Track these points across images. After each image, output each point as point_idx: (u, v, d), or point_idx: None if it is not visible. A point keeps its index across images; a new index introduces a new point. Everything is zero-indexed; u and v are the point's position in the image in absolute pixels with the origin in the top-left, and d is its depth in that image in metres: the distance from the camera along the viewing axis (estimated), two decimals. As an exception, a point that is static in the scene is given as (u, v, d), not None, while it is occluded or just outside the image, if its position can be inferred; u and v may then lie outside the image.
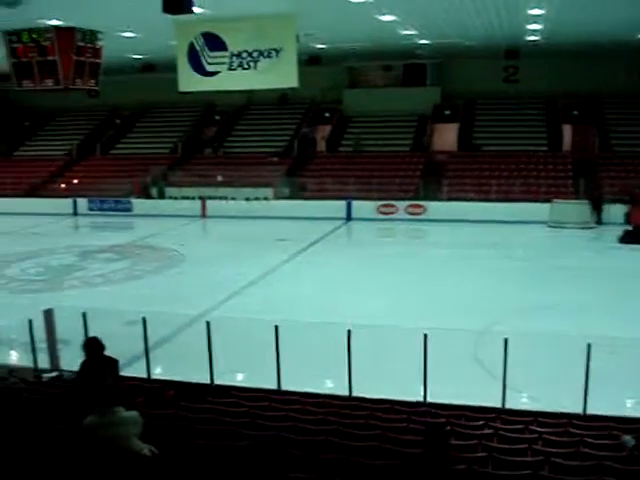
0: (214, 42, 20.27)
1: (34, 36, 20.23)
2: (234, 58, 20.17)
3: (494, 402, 9.67)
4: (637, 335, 13.36)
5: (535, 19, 22.55)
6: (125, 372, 10.06)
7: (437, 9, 20.48)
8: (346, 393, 10.19)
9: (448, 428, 7.08)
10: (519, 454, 7.02)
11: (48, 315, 12.48)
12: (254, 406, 8.77)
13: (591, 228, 27.69)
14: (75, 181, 37.39)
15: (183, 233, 29.58)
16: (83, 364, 8.20)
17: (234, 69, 20.25)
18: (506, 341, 9.63)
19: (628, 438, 7.03)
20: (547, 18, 22.16)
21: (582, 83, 33.24)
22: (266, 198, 33.06)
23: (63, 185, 37.31)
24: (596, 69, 32.61)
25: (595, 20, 22.58)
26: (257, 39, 19.97)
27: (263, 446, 6.65)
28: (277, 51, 19.76)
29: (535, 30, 25.33)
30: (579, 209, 28.22)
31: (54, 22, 19.54)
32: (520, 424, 8.38)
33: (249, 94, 36.08)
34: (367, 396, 9.86)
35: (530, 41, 28.36)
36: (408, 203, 30.94)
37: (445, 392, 9.96)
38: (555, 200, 28.54)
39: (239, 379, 12.02)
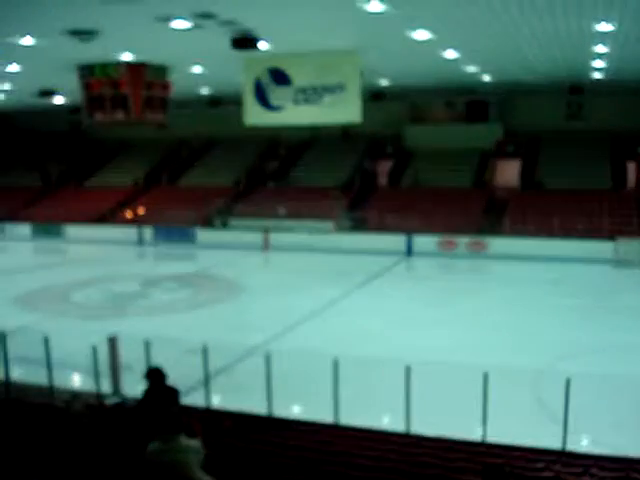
0: (280, 77, 20.63)
1: (106, 70, 20.89)
2: (299, 93, 20.48)
3: (554, 444, 9.51)
4: None
5: (600, 56, 22.37)
6: (184, 401, 10.20)
7: (500, 46, 20.49)
8: (404, 429, 10.15)
9: (507, 469, 7.00)
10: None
11: (112, 342, 12.77)
12: (312, 440, 8.80)
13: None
14: (141, 210, 38.24)
15: (245, 264, 29.90)
16: (145, 392, 8.37)
17: (299, 104, 20.55)
18: (568, 381, 9.49)
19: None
20: (611, 55, 21.96)
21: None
22: (327, 231, 33.23)
23: (129, 214, 38.20)
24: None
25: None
26: (322, 75, 20.25)
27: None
28: (341, 87, 20.00)
29: (600, 67, 25.11)
30: (644, 248, 27.63)
31: (126, 57, 20.17)
32: (580, 467, 8.23)
33: (312, 128, 36.48)
34: (425, 434, 9.80)
35: (595, 78, 28.09)
36: (469, 239, 30.73)
37: (504, 432, 9.83)
38: (619, 238, 28.01)
39: (297, 412, 12.06)
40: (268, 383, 10.91)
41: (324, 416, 10.54)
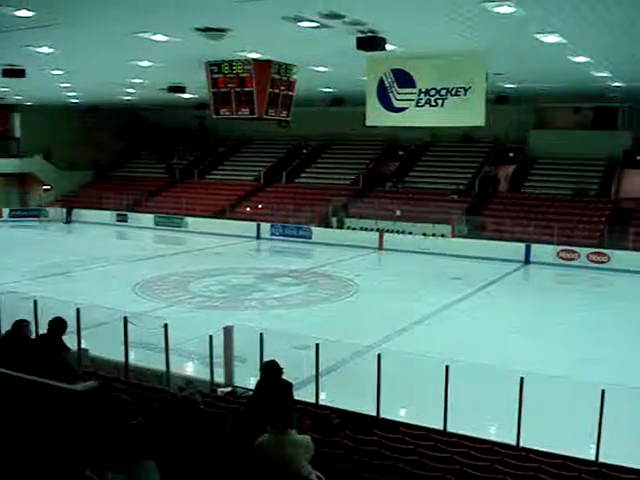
0: (403, 78, 20.51)
1: (234, 67, 21.37)
2: (422, 95, 20.30)
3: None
4: None
5: None
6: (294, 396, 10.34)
7: (635, 51, 19.69)
8: (513, 442, 9.92)
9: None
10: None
11: (227, 332, 13.07)
12: (420, 445, 8.73)
13: None
14: (260, 206, 39.01)
15: (359, 264, 29.99)
16: (259, 383, 8.51)
17: (421, 106, 20.36)
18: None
19: None
20: None
21: None
22: (444, 235, 32.91)
23: (248, 209, 39.04)
24: None
25: None
26: (446, 77, 19.99)
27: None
28: (465, 89, 19.68)
29: None
30: None
31: (253, 55, 20.56)
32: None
33: (432, 130, 36.20)
34: (536, 448, 9.55)
35: None
36: (591, 250, 29.67)
37: (620, 453, 9.45)
38: None
39: (404, 415, 12.00)
40: (378, 384, 10.90)
41: (431, 421, 10.44)
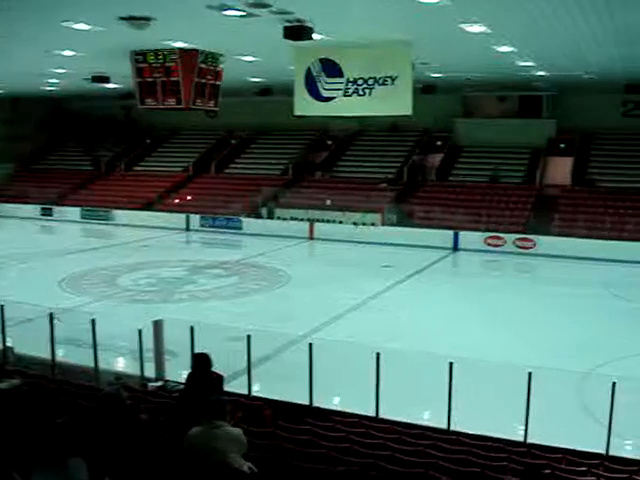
0: (331, 68, 20.53)
1: (159, 57, 21.04)
2: (350, 84, 20.36)
3: (598, 447, 9.34)
4: None
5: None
6: (226, 388, 10.26)
7: (556, 41, 20.11)
8: (444, 426, 10.07)
9: (547, 471, 6.89)
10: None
11: (157, 326, 12.90)
12: (352, 432, 8.78)
13: None
14: (189, 197, 38.60)
15: (290, 254, 29.98)
16: (190, 377, 8.43)
17: (349, 95, 20.43)
18: (614, 385, 9.31)
19: None
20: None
21: None
22: (373, 224, 33.14)
23: (177, 200, 38.58)
24: None
25: None
26: (373, 66, 20.09)
27: (360, 473, 6.66)
28: (392, 79, 19.81)
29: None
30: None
31: (179, 44, 20.28)
32: (624, 473, 8.06)
33: (361, 120, 36.34)
34: (466, 431, 9.71)
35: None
36: (517, 236, 30.34)
37: (547, 433, 9.69)
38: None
39: (337, 403, 12.05)
40: (310, 374, 10.91)
41: (363, 408, 10.51)
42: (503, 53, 21.77)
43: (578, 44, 20.22)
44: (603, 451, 9.31)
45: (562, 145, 36.01)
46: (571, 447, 9.15)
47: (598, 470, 8.16)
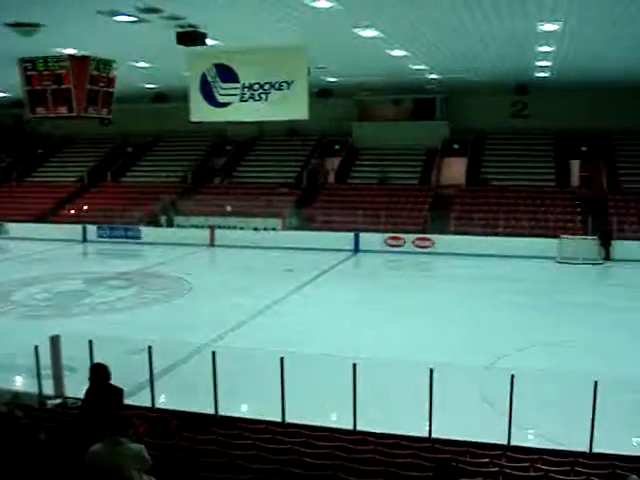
0: (226, 74, 20.45)
1: (49, 64, 20.45)
2: (245, 90, 20.34)
3: (500, 439, 9.58)
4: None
5: (544, 56, 22.70)
6: (129, 401, 10.03)
7: (447, 45, 20.68)
8: (351, 427, 10.13)
9: (454, 464, 7.03)
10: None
11: (54, 341, 12.47)
12: (258, 438, 8.73)
13: (599, 264, 27.64)
14: (85, 208, 37.58)
15: (191, 262, 29.64)
16: (88, 392, 8.19)
17: (245, 100, 20.41)
18: (512, 377, 9.57)
19: (635, 477, 6.95)
20: (556, 55, 22.31)
21: (591, 119, 33.31)
22: (274, 228, 33.15)
23: (72, 211, 37.52)
24: (605, 105, 32.75)
25: (604, 57, 22.75)
26: (268, 71, 20.14)
27: None
28: (288, 83, 19.92)
29: (544, 66, 25.49)
30: (587, 245, 28.18)
31: (69, 51, 19.77)
32: (526, 462, 8.30)
33: (260, 125, 36.34)
34: (372, 430, 9.80)
35: (539, 77, 28.53)
36: (416, 236, 30.96)
37: (450, 427, 9.89)
38: (563, 236, 28.54)
39: (243, 410, 11.96)
40: (215, 382, 10.78)
41: (270, 415, 10.46)
42: (396, 57, 22.20)
43: (468, 47, 20.84)
44: (505, 442, 9.56)
45: (456, 146, 37.02)
46: (474, 440, 9.37)
47: (500, 460, 8.36)
